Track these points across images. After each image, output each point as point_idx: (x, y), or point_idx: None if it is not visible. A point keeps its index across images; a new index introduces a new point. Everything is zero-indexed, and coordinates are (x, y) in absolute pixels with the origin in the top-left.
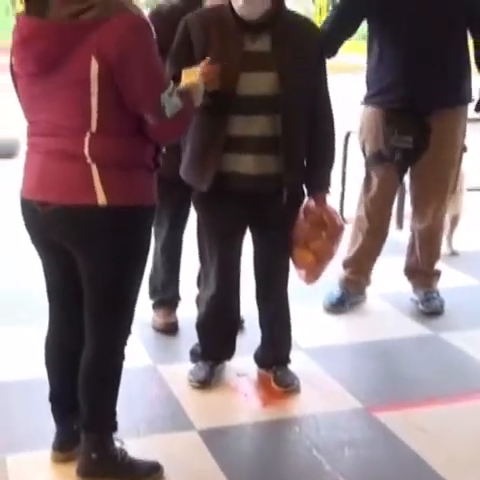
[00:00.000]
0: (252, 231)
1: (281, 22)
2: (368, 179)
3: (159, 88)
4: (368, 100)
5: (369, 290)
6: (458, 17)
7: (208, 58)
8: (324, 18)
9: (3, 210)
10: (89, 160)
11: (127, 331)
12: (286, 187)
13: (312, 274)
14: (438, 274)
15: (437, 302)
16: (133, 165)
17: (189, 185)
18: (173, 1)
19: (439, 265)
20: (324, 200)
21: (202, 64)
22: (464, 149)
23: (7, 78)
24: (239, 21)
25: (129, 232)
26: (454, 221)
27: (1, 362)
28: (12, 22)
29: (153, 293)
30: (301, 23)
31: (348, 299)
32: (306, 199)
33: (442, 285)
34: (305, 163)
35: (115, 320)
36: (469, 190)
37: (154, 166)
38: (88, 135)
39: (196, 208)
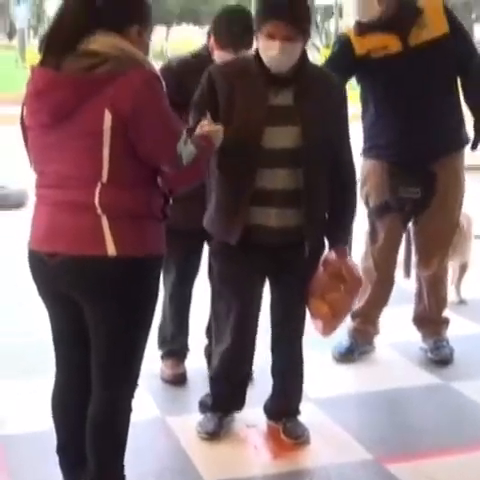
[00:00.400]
0: (270, 280)
1: (304, 76)
2: (373, 230)
3: (175, 139)
4: (367, 153)
5: (378, 339)
6: (447, 68)
7: (208, 116)
8: None
9: (10, 260)
10: (99, 211)
11: (134, 384)
12: (307, 241)
13: (328, 326)
14: (447, 322)
15: (447, 350)
16: (142, 215)
17: (199, 234)
18: (182, 56)
19: (447, 313)
20: (344, 253)
21: (204, 122)
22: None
23: (16, 129)
24: (264, 74)
25: (137, 282)
26: (463, 269)
27: (8, 415)
28: (20, 74)
29: (162, 344)
30: (323, 76)
31: (357, 349)
32: (326, 251)
33: (451, 333)
34: (326, 215)
35: (122, 372)
36: (476, 237)
37: (162, 217)
38: (99, 186)
39: (215, 259)
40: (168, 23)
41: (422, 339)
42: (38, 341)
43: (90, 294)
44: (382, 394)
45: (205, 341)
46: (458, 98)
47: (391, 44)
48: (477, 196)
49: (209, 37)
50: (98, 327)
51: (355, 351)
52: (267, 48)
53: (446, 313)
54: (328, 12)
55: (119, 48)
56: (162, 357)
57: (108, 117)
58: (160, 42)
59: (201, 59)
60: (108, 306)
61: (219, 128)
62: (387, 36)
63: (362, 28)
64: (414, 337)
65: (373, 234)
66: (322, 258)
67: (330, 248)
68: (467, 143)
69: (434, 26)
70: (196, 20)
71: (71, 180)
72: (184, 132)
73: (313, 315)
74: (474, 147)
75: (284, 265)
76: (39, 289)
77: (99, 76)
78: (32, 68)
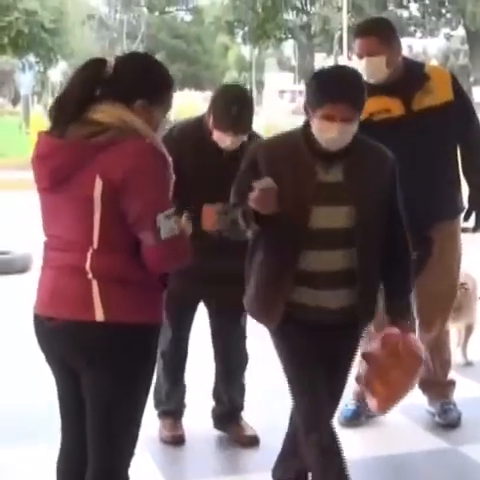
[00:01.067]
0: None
1: (353, 150)
2: None
3: (157, 209)
4: None
5: None
6: (447, 135)
7: (258, 183)
8: None
9: (15, 324)
10: (90, 275)
11: (131, 454)
12: (360, 320)
13: (383, 406)
14: (453, 384)
15: (454, 414)
16: (135, 282)
17: (193, 295)
18: (184, 123)
19: (453, 375)
20: (406, 329)
21: (257, 186)
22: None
23: (20, 194)
24: (313, 150)
25: (129, 350)
26: (469, 330)
27: None
28: (24, 140)
29: (157, 404)
30: (371, 149)
31: (364, 412)
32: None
33: (457, 396)
34: (382, 290)
35: (116, 441)
36: None
37: (161, 286)
38: (90, 251)
39: (273, 341)
40: None
41: (428, 402)
42: (45, 406)
43: (83, 360)
44: (388, 459)
45: (202, 396)
46: (456, 165)
47: (394, 108)
48: None
49: (208, 116)
50: (92, 394)
51: (361, 415)
52: (325, 130)
53: (452, 375)
54: None
55: (122, 119)
56: (158, 416)
57: (99, 183)
58: None
59: (201, 125)
60: (99, 373)
61: (273, 190)
62: (391, 99)
63: (367, 90)
64: (420, 400)
65: None
66: (381, 334)
67: (390, 324)
68: (462, 210)
69: (439, 93)
70: (198, 85)
71: (71, 244)
72: (173, 208)
73: (369, 392)
74: (466, 219)
75: (334, 346)
76: (44, 354)
77: (95, 143)
78: (39, 134)
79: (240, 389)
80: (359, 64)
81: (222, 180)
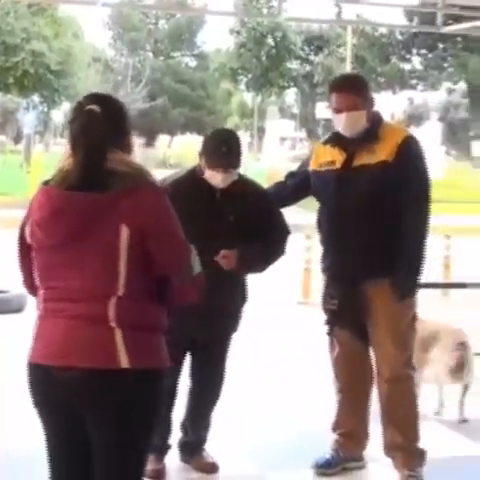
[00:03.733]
0: None
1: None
2: (330, 338)
3: (188, 250)
4: (321, 266)
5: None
6: (377, 196)
7: None
8: None
9: (10, 363)
10: (113, 323)
11: None
12: None
13: None
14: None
15: None
16: (150, 328)
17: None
18: (174, 175)
19: (449, 433)
20: None
21: None
22: (414, 317)
23: (14, 233)
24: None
25: (147, 393)
26: (465, 389)
27: None
28: (24, 178)
29: None
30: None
31: (339, 463)
32: None
33: (451, 454)
34: None
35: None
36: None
37: (166, 329)
38: (114, 299)
39: None
40: (172, 132)
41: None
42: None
43: (107, 409)
44: None
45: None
46: (397, 231)
47: (337, 161)
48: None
49: (200, 157)
50: (109, 445)
51: (335, 465)
52: (212, 179)
53: (447, 432)
54: (328, 126)
55: (126, 164)
56: None
57: (124, 231)
58: (163, 149)
59: (193, 177)
60: (125, 421)
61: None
62: (340, 153)
63: (330, 138)
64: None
65: (331, 342)
66: None
67: None
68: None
69: (380, 153)
70: (200, 130)
71: (87, 293)
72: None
73: None
74: (403, 297)
75: None
76: (37, 402)
77: (116, 193)
78: (46, 187)
79: (207, 425)
80: (336, 118)
81: (217, 221)
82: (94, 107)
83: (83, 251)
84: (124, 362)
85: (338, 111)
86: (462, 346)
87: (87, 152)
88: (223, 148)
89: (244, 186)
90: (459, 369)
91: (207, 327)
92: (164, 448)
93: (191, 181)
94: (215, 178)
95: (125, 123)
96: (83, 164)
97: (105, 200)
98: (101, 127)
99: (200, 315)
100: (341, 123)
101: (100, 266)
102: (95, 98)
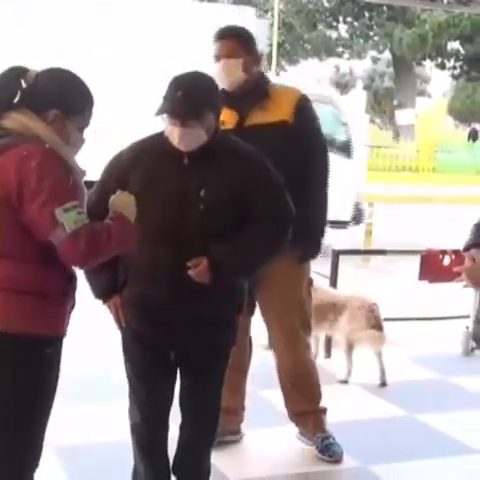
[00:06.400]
0: None
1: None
2: None
3: (52, 207)
4: None
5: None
6: (277, 155)
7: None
8: None
9: None
10: None
11: (36, 464)
12: None
13: None
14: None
15: (337, 448)
16: (31, 292)
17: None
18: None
19: (370, 396)
20: None
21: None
22: (310, 283)
23: None
24: None
25: (20, 362)
26: (379, 356)
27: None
28: None
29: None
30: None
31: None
32: None
33: (375, 416)
34: None
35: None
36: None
37: (63, 298)
38: None
39: None
40: None
41: (303, 434)
42: None
43: None
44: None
45: None
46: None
47: (229, 121)
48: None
49: None
50: None
51: None
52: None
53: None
54: None
55: (24, 125)
56: None
57: None
58: None
59: (161, 137)
60: None
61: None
62: (229, 112)
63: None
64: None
65: None
66: None
67: None
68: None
69: (276, 112)
70: None
71: None
72: (73, 202)
73: None
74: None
75: None
76: None
77: None
78: None
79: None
80: (215, 67)
81: (180, 197)
82: (22, 67)
83: None
84: None
85: (216, 58)
86: (376, 306)
87: None
88: (178, 92)
89: (227, 149)
90: (380, 329)
91: (184, 340)
92: None
93: (157, 140)
94: (173, 136)
95: (48, 94)
96: None
97: None
98: (12, 87)
99: (174, 324)
100: (218, 72)
101: None
102: (44, 69)
